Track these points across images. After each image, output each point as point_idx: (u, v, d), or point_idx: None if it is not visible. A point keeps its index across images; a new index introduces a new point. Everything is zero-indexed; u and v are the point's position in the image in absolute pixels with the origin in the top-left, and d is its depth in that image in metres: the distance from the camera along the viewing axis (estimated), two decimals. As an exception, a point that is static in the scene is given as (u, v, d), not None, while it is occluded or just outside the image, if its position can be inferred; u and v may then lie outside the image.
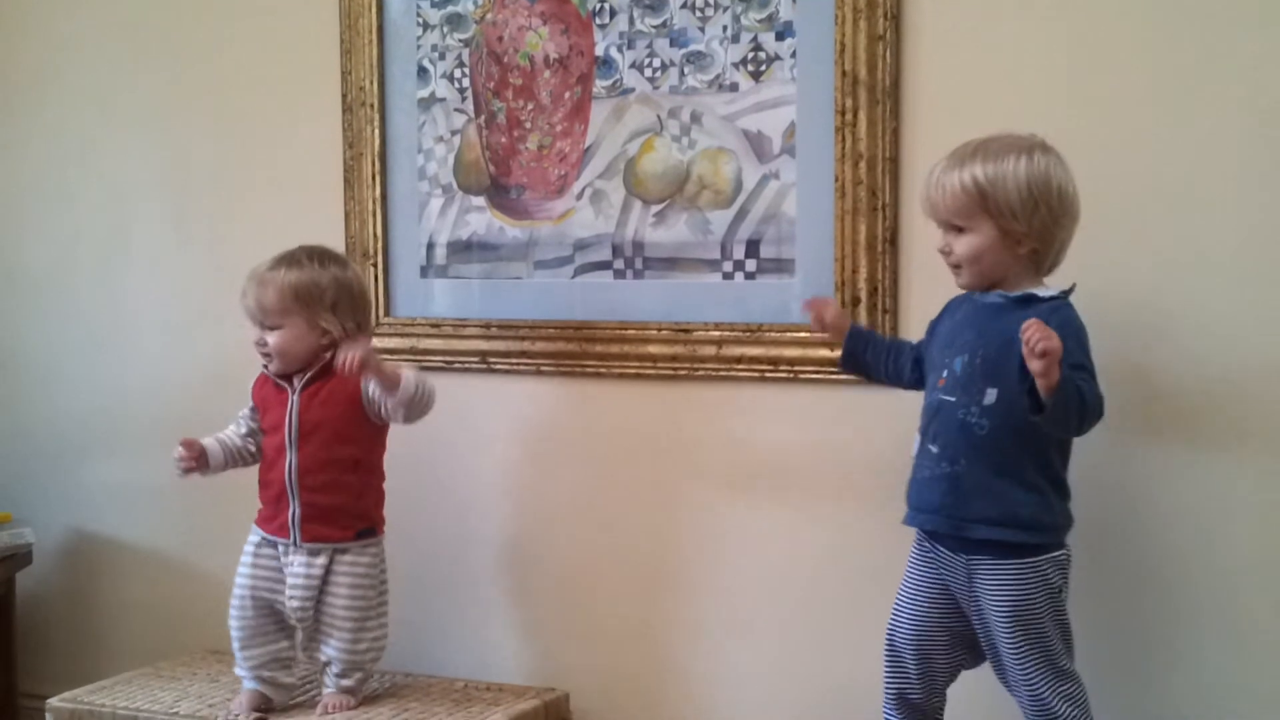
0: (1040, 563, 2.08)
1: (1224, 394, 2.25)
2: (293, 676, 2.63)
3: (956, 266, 2.13)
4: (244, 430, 2.65)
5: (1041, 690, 2.07)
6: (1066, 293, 2.10)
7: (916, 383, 2.24)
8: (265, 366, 2.59)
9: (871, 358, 2.30)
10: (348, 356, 2.41)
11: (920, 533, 2.18)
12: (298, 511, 2.53)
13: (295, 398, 2.54)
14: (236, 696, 2.59)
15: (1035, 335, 1.91)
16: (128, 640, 3.17)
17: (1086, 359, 2.04)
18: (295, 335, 2.53)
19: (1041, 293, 2.09)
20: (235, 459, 2.64)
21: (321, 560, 2.54)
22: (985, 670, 2.19)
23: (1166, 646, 2.32)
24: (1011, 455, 2.06)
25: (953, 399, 2.10)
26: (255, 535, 2.59)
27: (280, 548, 2.56)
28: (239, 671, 2.60)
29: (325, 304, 2.54)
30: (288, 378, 2.56)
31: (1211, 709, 2.29)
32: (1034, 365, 1.92)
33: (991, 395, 2.06)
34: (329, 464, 2.53)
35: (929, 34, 2.41)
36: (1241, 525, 2.26)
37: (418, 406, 2.51)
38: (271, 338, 2.53)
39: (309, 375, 2.55)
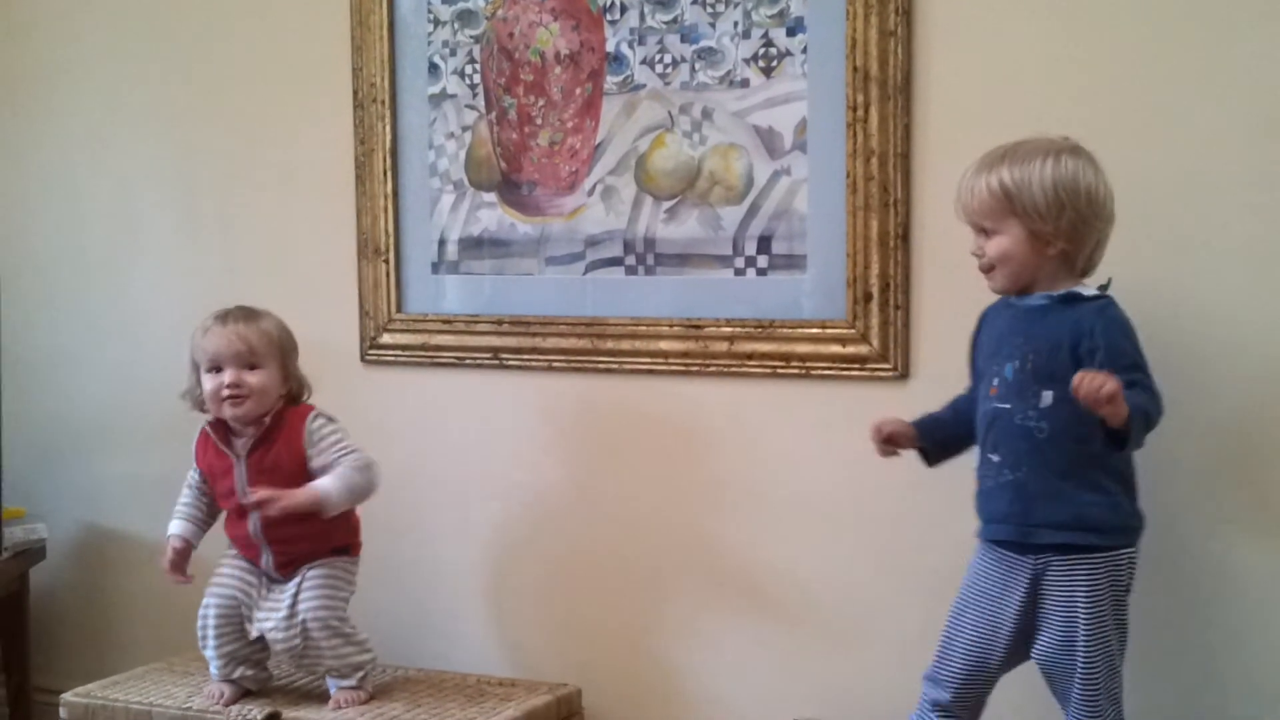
0: (1109, 560, 2.07)
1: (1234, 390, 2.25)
2: (266, 671, 2.65)
3: (989, 270, 2.11)
4: (200, 499, 2.65)
5: (1097, 690, 2.06)
6: (1105, 288, 2.09)
7: None
8: (218, 414, 2.54)
9: (947, 434, 2.25)
10: (259, 501, 2.44)
11: (985, 541, 2.16)
12: (271, 560, 2.56)
13: (242, 468, 2.54)
14: (211, 686, 2.60)
15: (1089, 387, 1.90)
16: (141, 635, 3.18)
17: (1139, 355, 2.04)
18: (271, 380, 2.53)
19: (1085, 291, 2.08)
20: (206, 524, 2.66)
21: (295, 582, 2.55)
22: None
23: (1179, 645, 2.32)
24: (1074, 457, 2.05)
25: (1008, 406, 2.09)
26: (231, 553, 2.61)
27: (257, 573, 2.59)
28: (213, 673, 2.61)
29: (292, 357, 2.58)
30: (229, 443, 2.55)
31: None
32: (1103, 412, 1.92)
33: (1048, 398, 2.06)
34: (292, 520, 2.49)
35: (940, 29, 2.40)
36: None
37: (357, 499, 2.53)
38: (253, 377, 2.51)
39: (252, 441, 2.54)
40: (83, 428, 3.25)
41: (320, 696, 2.61)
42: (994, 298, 2.18)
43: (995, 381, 2.11)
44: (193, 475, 2.66)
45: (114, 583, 3.24)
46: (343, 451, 2.52)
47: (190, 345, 2.58)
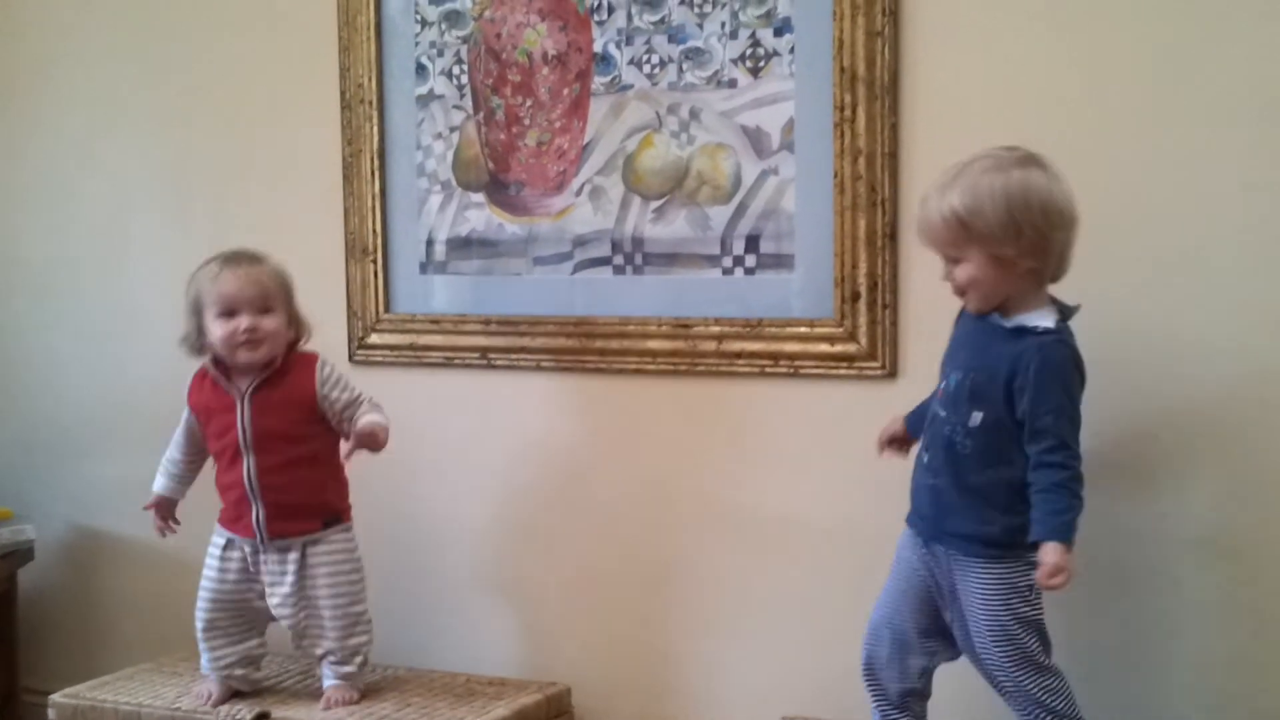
0: (1011, 569, 2.08)
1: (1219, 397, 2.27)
2: (261, 671, 2.66)
3: (962, 293, 2.11)
4: (185, 454, 2.67)
5: (1025, 683, 2.09)
6: (1068, 316, 2.08)
7: None
8: (231, 358, 2.53)
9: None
10: (371, 434, 2.48)
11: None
12: (262, 513, 2.53)
13: (246, 405, 2.53)
14: (199, 686, 2.61)
15: (1044, 583, 2.00)
16: (130, 636, 3.18)
17: (1067, 398, 2.03)
18: (282, 323, 2.53)
19: (1036, 323, 2.06)
20: (189, 480, 2.68)
21: (294, 555, 2.54)
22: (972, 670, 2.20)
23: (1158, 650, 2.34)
24: (991, 479, 2.08)
25: (944, 414, 2.12)
26: (220, 538, 2.59)
27: (248, 548, 2.56)
28: (205, 669, 2.61)
29: (294, 299, 2.59)
30: (231, 382, 2.55)
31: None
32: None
33: (977, 419, 2.08)
34: (288, 465, 2.53)
35: (927, 29, 2.41)
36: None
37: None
38: (269, 321, 2.51)
39: (257, 381, 2.54)
40: (71, 429, 3.25)
41: (309, 694, 2.62)
42: (946, 293, 2.18)
43: (942, 385, 2.15)
44: (186, 416, 2.65)
45: (102, 584, 3.24)
46: (359, 399, 2.56)
47: (192, 289, 2.55)
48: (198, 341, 2.56)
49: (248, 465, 2.52)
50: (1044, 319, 2.06)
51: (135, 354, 3.14)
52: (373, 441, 2.49)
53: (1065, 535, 2.00)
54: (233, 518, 2.57)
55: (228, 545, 2.58)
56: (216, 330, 2.51)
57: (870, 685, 2.25)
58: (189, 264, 3.02)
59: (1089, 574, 2.20)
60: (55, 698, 2.67)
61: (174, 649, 2.93)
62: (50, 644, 3.28)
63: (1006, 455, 2.06)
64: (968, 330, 2.15)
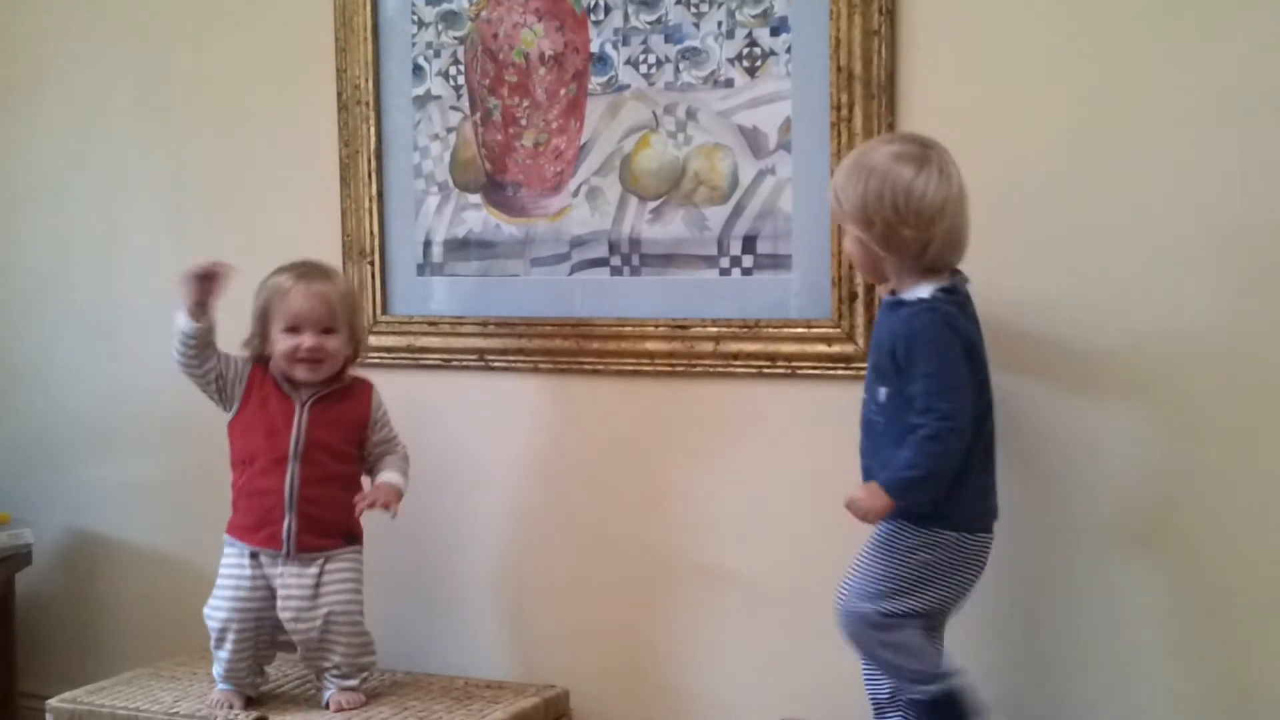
0: (902, 529, 2.17)
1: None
2: (265, 676, 2.65)
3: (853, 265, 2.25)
4: (222, 365, 2.57)
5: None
6: (944, 291, 2.14)
7: None
8: (288, 372, 2.54)
9: None
10: (396, 494, 2.57)
11: None
12: (294, 524, 2.52)
13: (304, 414, 2.54)
14: (212, 698, 2.59)
15: (856, 514, 2.14)
16: (127, 640, 3.17)
17: (939, 361, 2.10)
18: (343, 344, 2.56)
19: (908, 296, 2.15)
20: (212, 341, 2.55)
21: (313, 570, 2.54)
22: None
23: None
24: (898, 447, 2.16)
25: (865, 397, 2.22)
26: (236, 548, 2.57)
27: (265, 559, 2.55)
28: (220, 678, 2.59)
29: (359, 317, 2.63)
30: (293, 389, 2.56)
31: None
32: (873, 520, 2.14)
33: (883, 394, 2.17)
34: (327, 479, 2.55)
35: (923, 28, 2.40)
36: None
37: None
38: (331, 342, 2.53)
39: (320, 393, 2.56)
40: (69, 432, 3.24)
41: (307, 700, 2.61)
42: None
43: (865, 371, 2.25)
44: (239, 364, 2.58)
45: (100, 588, 3.23)
46: (396, 439, 2.64)
47: (261, 296, 2.56)
48: (260, 347, 2.58)
49: (291, 474, 2.52)
50: (920, 291, 2.14)
51: (132, 357, 3.13)
52: (390, 500, 2.56)
53: (894, 488, 2.11)
54: (254, 526, 2.55)
55: (244, 557, 2.55)
56: (279, 343, 2.53)
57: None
58: (185, 267, 3.03)
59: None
60: (52, 702, 2.66)
61: (171, 654, 2.93)
62: (48, 648, 3.27)
63: (907, 425, 2.13)
64: (880, 310, 2.25)
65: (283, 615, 2.53)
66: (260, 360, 2.59)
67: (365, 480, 2.63)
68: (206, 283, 2.50)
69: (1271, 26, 2.20)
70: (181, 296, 2.51)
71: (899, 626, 2.17)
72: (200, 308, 2.51)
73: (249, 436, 2.58)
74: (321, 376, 2.55)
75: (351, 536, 2.59)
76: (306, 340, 2.52)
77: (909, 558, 2.17)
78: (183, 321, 2.53)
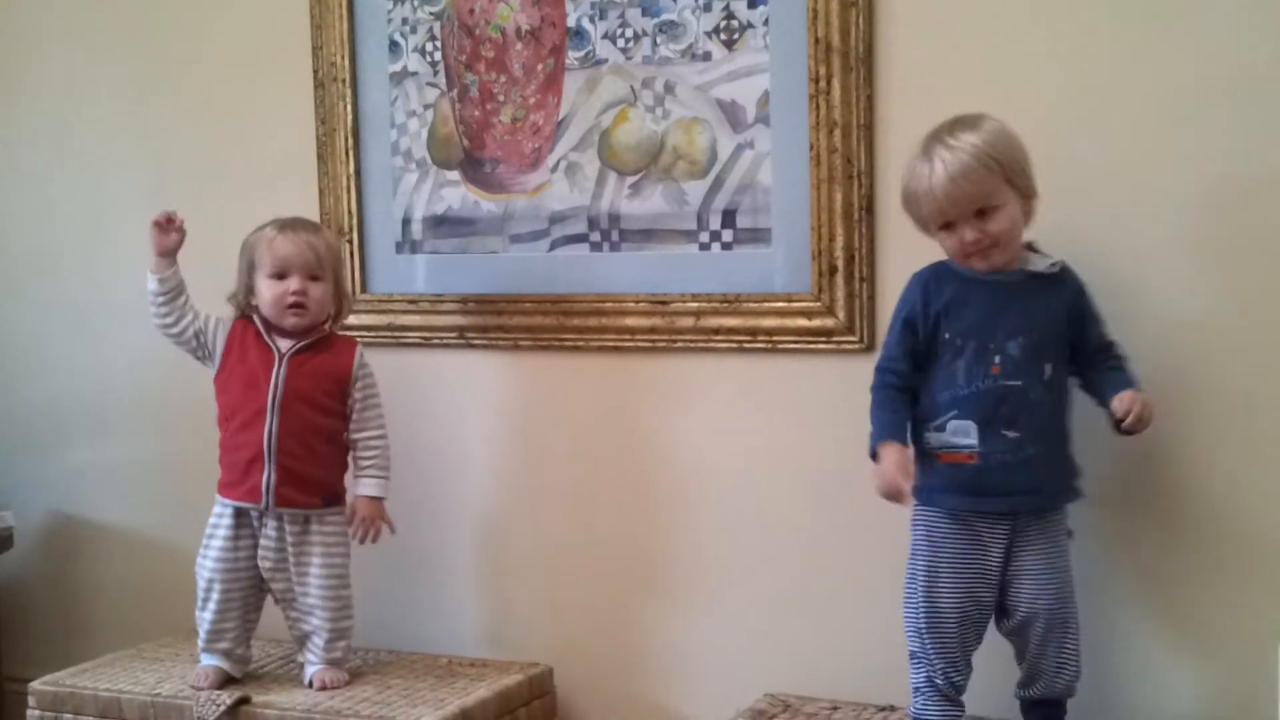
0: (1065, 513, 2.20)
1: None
2: (249, 650, 2.65)
3: (990, 248, 2.12)
4: (200, 322, 2.60)
5: (1071, 625, 2.16)
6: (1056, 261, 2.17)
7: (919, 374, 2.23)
8: (278, 320, 2.55)
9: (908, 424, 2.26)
10: (367, 527, 2.58)
11: (946, 511, 2.17)
12: (273, 476, 2.52)
13: (283, 365, 2.54)
14: (195, 672, 2.59)
15: (1138, 419, 2.10)
16: (110, 622, 3.16)
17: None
18: (328, 293, 2.57)
19: (1052, 265, 2.15)
20: (180, 295, 2.60)
21: (294, 528, 2.55)
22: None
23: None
24: (1064, 418, 2.18)
25: (1019, 383, 2.12)
26: (222, 507, 2.57)
27: (252, 515, 2.55)
28: (203, 648, 2.59)
29: (342, 272, 2.64)
30: (274, 341, 2.56)
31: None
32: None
33: (1048, 370, 2.14)
34: (306, 431, 2.54)
35: (901, 0, 2.39)
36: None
37: None
38: (315, 289, 2.54)
39: (300, 344, 2.56)
40: (50, 416, 3.23)
41: (290, 680, 2.60)
42: (923, 264, 2.21)
43: (997, 360, 2.13)
44: (215, 324, 2.60)
45: (82, 571, 3.22)
46: (376, 422, 2.61)
47: (246, 249, 2.57)
48: (245, 300, 2.59)
49: (270, 425, 2.52)
50: (1049, 256, 2.17)
51: (113, 341, 3.12)
52: (378, 523, 2.60)
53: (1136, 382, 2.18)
54: (235, 480, 2.55)
55: (230, 515, 2.55)
56: (266, 291, 2.54)
57: (942, 699, 2.19)
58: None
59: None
60: (35, 685, 2.66)
61: (154, 635, 2.92)
62: (30, 631, 3.27)
63: (1065, 392, 2.17)
64: (992, 294, 2.14)
65: (262, 565, 2.55)
66: (243, 316, 2.60)
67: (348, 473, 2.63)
68: (163, 234, 2.57)
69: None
70: (150, 248, 2.58)
71: None
72: (163, 260, 2.57)
73: (230, 392, 2.58)
74: (308, 324, 2.55)
75: (333, 497, 2.58)
76: (293, 284, 2.52)
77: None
78: (150, 279, 2.59)
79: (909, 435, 2.19)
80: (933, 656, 2.16)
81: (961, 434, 2.14)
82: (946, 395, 2.15)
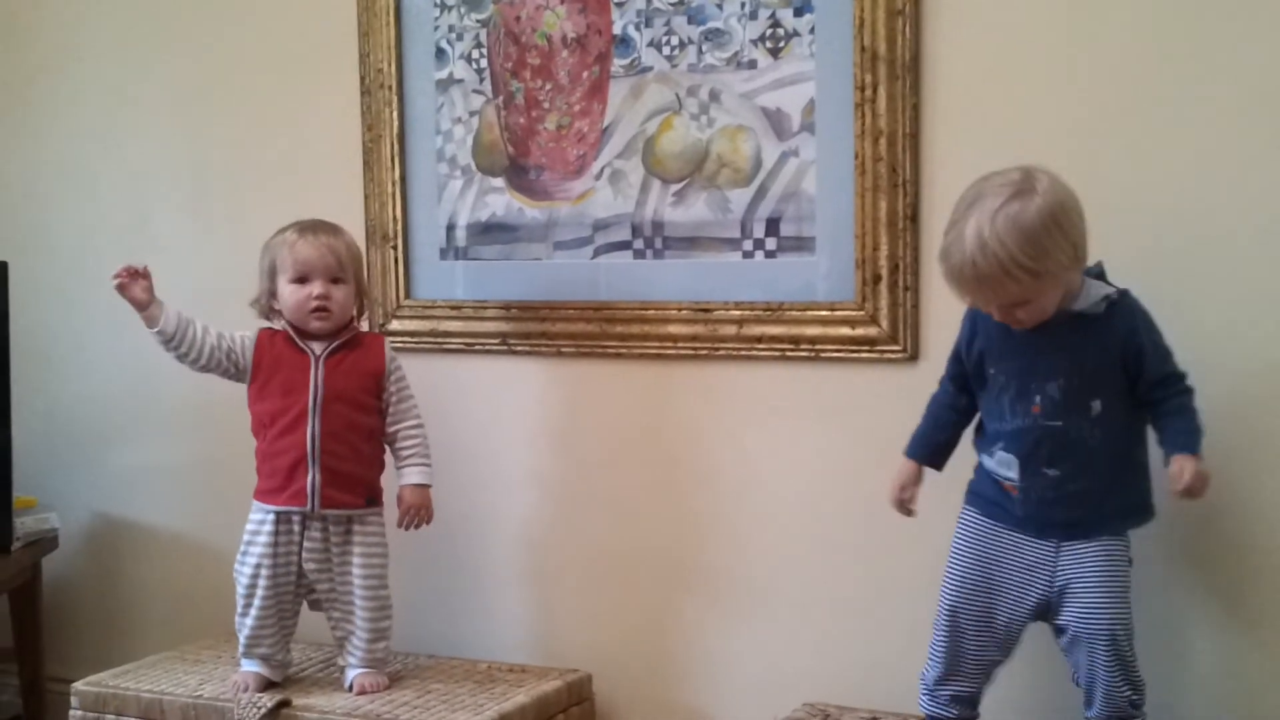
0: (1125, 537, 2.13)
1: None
2: (289, 653, 2.66)
3: (1022, 321, 2.08)
4: (225, 344, 2.59)
5: (1123, 647, 2.10)
6: (1104, 277, 2.11)
7: (973, 400, 2.22)
8: (301, 324, 2.56)
9: (943, 444, 2.26)
10: (414, 514, 2.60)
11: (986, 519, 2.18)
12: (318, 478, 2.52)
13: (320, 365, 2.55)
14: (233, 679, 2.59)
15: (1188, 491, 2.03)
16: (152, 624, 3.18)
17: (1160, 336, 2.10)
18: (351, 295, 2.58)
19: (1110, 291, 2.08)
20: (188, 331, 2.59)
21: (338, 530, 2.56)
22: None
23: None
24: (1125, 447, 2.12)
25: (1059, 424, 2.09)
26: (261, 513, 2.56)
27: (295, 519, 2.55)
28: (243, 653, 2.60)
29: (363, 274, 2.65)
30: (307, 344, 2.56)
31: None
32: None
33: (1097, 406, 2.08)
34: (348, 431, 2.55)
35: (948, 8, 2.38)
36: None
37: None
38: (339, 291, 2.55)
39: (333, 345, 2.57)
40: (94, 417, 3.26)
41: (330, 683, 2.61)
42: None
43: (1038, 400, 2.10)
44: (242, 342, 2.60)
45: (125, 572, 3.25)
46: (413, 405, 2.62)
47: (268, 253, 2.58)
48: (267, 305, 2.60)
49: (312, 427, 2.52)
50: (1103, 288, 2.08)
51: (156, 344, 3.12)
52: (425, 511, 2.62)
53: (1199, 448, 2.06)
54: (278, 487, 2.55)
55: (272, 520, 2.55)
56: (288, 295, 2.55)
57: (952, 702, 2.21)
58: (208, 252, 3.06)
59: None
60: (78, 685, 2.68)
61: (196, 637, 2.94)
62: (73, 632, 3.29)
63: (1126, 423, 2.11)
64: (1034, 335, 2.09)
65: (307, 568, 2.56)
66: (267, 324, 2.62)
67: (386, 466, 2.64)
68: (130, 290, 2.57)
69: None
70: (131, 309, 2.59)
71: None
72: (149, 313, 2.58)
73: (266, 400, 2.58)
74: (331, 327, 2.56)
75: (374, 496, 2.59)
76: (316, 288, 2.53)
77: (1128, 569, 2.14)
78: (150, 335, 2.61)
79: (934, 448, 2.25)
80: (934, 651, 2.19)
81: (1005, 466, 2.14)
82: (994, 426, 2.16)
